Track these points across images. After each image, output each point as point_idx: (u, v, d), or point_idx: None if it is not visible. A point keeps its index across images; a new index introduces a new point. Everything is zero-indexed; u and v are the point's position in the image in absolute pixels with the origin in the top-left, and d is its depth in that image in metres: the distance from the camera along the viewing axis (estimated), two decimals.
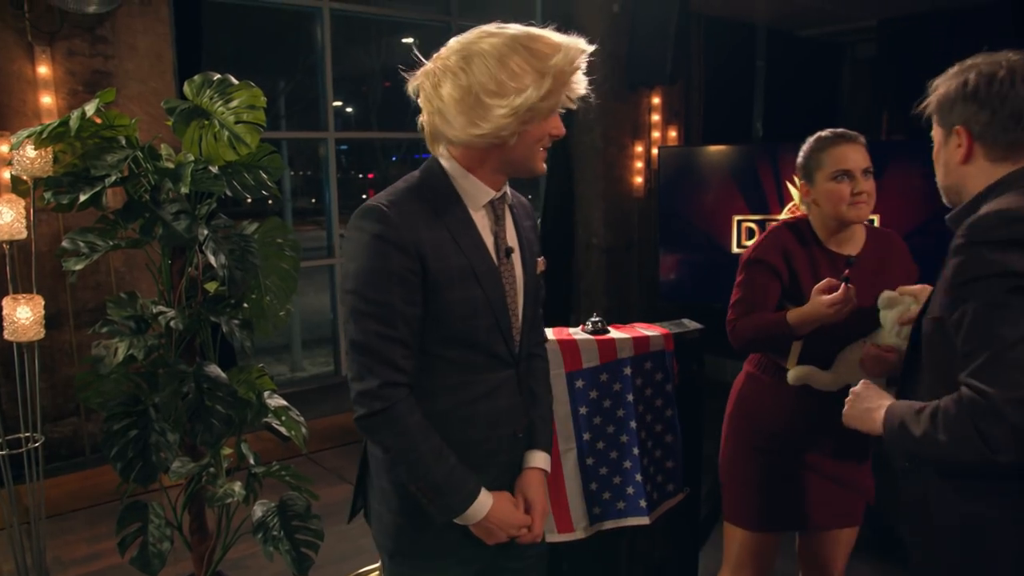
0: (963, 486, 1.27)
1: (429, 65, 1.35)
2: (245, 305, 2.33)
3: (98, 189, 2.04)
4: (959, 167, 1.34)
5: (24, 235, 2.36)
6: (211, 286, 2.29)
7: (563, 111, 1.37)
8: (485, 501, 1.38)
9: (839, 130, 1.90)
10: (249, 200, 2.33)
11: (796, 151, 1.97)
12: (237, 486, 2.22)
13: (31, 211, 2.32)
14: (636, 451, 2.29)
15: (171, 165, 2.18)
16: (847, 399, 1.48)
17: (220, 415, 2.14)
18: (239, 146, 2.10)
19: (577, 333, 2.31)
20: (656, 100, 5.74)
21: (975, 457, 1.16)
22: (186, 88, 2.15)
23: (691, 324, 2.41)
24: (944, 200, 1.43)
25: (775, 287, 1.90)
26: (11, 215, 2.31)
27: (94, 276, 3.71)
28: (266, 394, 2.36)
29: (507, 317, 1.39)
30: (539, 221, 5.61)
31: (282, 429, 2.35)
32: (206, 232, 2.15)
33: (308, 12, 4.79)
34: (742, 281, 1.94)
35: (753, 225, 4.31)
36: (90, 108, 2.04)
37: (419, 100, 1.37)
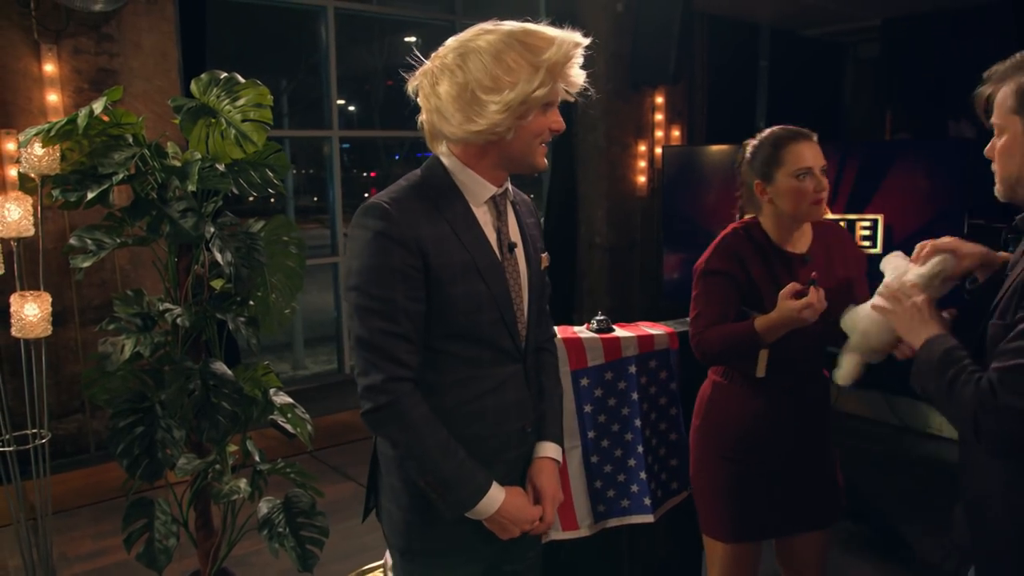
0: None
1: (428, 64, 1.37)
2: (251, 302, 2.34)
3: (105, 187, 2.05)
4: None
5: (31, 232, 2.37)
6: (217, 283, 2.30)
7: (563, 104, 1.38)
8: (496, 495, 1.38)
9: (793, 128, 1.85)
10: (251, 198, 2.34)
11: None
12: (243, 483, 2.22)
13: (38, 208, 2.33)
14: (641, 449, 2.30)
15: (178, 163, 2.19)
16: (892, 294, 1.46)
17: (226, 412, 2.15)
18: (246, 144, 2.11)
19: (582, 332, 2.32)
20: (659, 99, 5.75)
21: (963, 434, 1.23)
22: (193, 86, 2.16)
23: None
24: (1005, 193, 1.36)
25: (734, 296, 1.84)
26: (19, 212, 2.32)
27: (99, 274, 3.73)
28: (272, 391, 2.37)
29: (511, 311, 1.40)
30: (542, 220, 5.63)
31: (288, 426, 2.36)
32: (212, 230, 2.16)
33: (312, 11, 4.80)
34: (700, 294, 1.87)
35: None
36: (98, 106, 2.05)
37: (418, 99, 1.39)
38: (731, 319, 1.83)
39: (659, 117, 5.78)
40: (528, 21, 1.34)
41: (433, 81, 1.34)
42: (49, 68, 3.51)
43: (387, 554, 2.59)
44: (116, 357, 2.16)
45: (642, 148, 5.76)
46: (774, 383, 1.86)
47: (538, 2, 5.51)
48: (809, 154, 1.80)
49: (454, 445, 1.35)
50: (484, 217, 1.41)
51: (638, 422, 2.29)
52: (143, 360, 2.18)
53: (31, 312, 2.33)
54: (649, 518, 2.31)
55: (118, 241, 2.18)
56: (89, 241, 2.14)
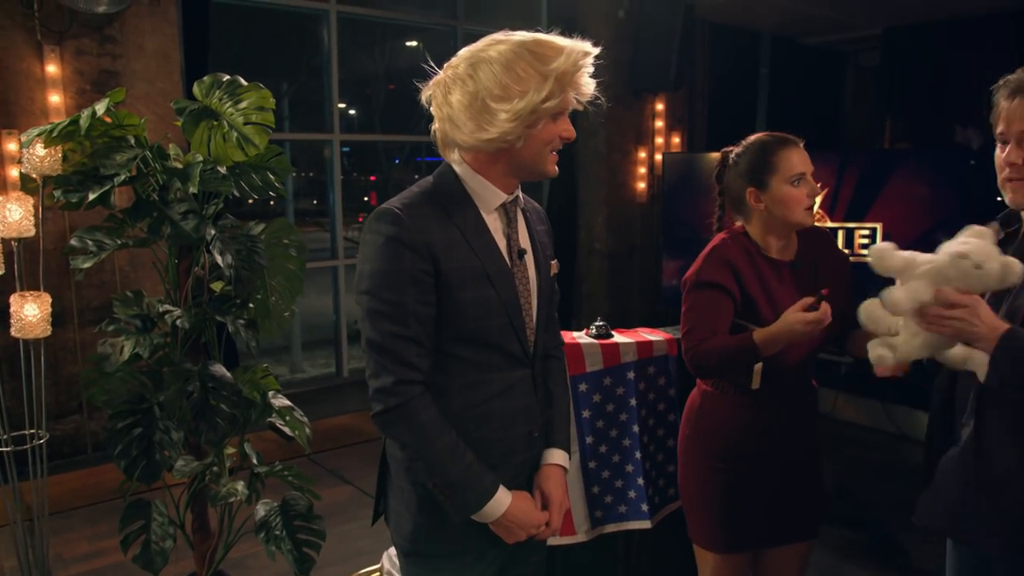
0: None
1: (440, 75, 1.39)
2: (251, 305, 2.34)
3: (107, 188, 2.06)
4: None
5: (32, 233, 2.37)
6: (217, 286, 2.30)
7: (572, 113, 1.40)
8: (503, 499, 1.39)
9: (779, 134, 1.84)
10: (252, 201, 2.35)
11: None
12: (240, 485, 2.22)
13: (39, 209, 2.33)
14: (638, 455, 2.30)
15: (179, 165, 2.20)
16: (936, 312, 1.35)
17: (224, 414, 2.15)
18: (248, 147, 2.12)
19: (581, 337, 2.33)
20: (660, 106, 5.76)
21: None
22: (196, 89, 2.17)
23: (680, 329, 2.42)
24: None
25: (728, 307, 1.80)
26: (20, 213, 2.33)
27: (99, 275, 3.73)
28: (270, 394, 2.37)
29: (520, 317, 1.42)
30: None
31: (286, 429, 2.36)
32: (213, 232, 2.16)
33: (315, 14, 4.81)
34: (692, 307, 1.82)
35: None
36: (100, 107, 2.06)
37: (431, 109, 1.41)
38: (725, 332, 1.79)
39: (659, 124, 5.79)
40: (538, 31, 1.36)
41: (445, 91, 1.37)
42: (51, 69, 3.52)
43: (384, 558, 2.59)
44: (115, 358, 2.16)
45: (642, 154, 5.77)
46: (765, 393, 1.84)
47: (540, 9, 5.52)
48: (801, 160, 1.80)
49: (462, 448, 1.37)
50: (494, 224, 1.43)
51: (636, 428, 2.29)
52: (142, 361, 2.19)
53: (31, 312, 2.33)
54: (647, 524, 2.31)
55: (119, 242, 2.19)
56: (90, 242, 2.14)
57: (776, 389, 1.85)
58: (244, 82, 2.19)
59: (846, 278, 1.91)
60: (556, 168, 1.42)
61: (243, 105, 2.14)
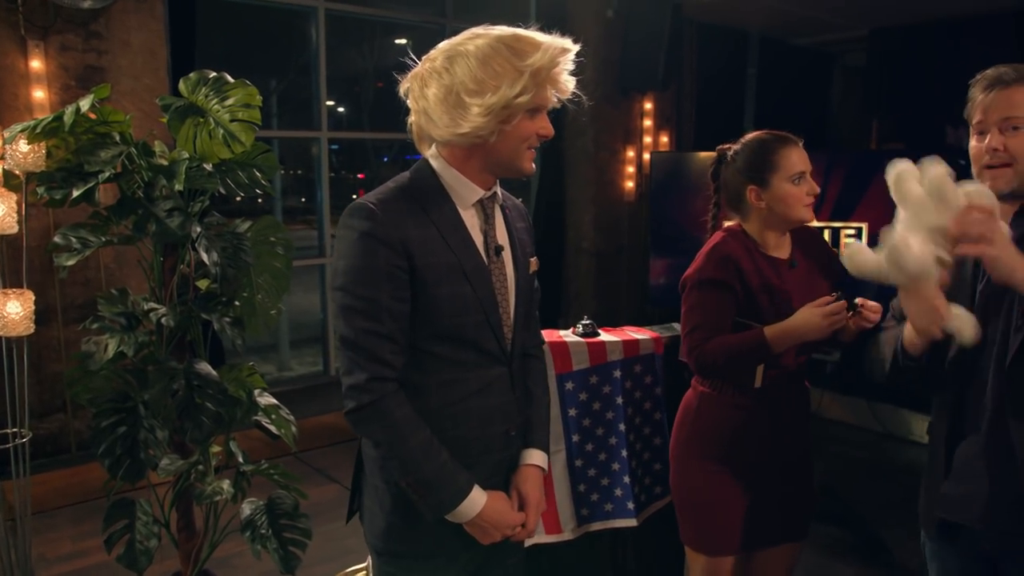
0: None
1: (418, 68, 1.38)
2: (237, 303, 2.33)
3: (91, 185, 2.04)
4: None
5: (15, 230, 2.35)
6: (203, 283, 2.29)
7: (552, 109, 1.39)
8: (478, 498, 1.38)
9: (778, 132, 1.85)
10: (239, 198, 2.34)
11: None
12: (225, 484, 2.21)
13: (23, 206, 2.31)
14: (624, 453, 2.31)
15: (165, 162, 2.18)
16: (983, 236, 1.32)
17: (210, 412, 2.14)
18: (234, 144, 2.10)
19: (567, 336, 2.33)
20: (648, 105, 5.77)
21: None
22: (182, 85, 2.15)
23: (680, 328, 2.44)
24: (1011, 185, 1.44)
25: (731, 306, 1.79)
26: (3, 209, 2.30)
27: (83, 272, 3.70)
28: (256, 392, 2.36)
29: (497, 314, 1.41)
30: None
31: (272, 427, 2.35)
32: (199, 229, 2.15)
33: (303, 11, 4.79)
34: (695, 305, 1.81)
35: None
36: (85, 103, 2.04)
37: (408, 102, 1.40)
38: (728, 330, 1.79)
39: (648, 123, 5.81)
40: (520, 26, 1.35)
41: (422, 84, 1.35)
42: (36, 64, 3.49)
43: (369, 557, 2.59)
44: (99, 356, 2.15)
45: (630, 153, 5.78)
46: (762, 395, 1.84)
47: (529, 7, 5.52)
48: (801, 159, 1.81)
49: (437, 446, 1.35)
50: (471, 220, 1.41)
51: (622, 426, 2.30)
52: (127, 360, 2.17)
53: (13, 310, 2.31)
54: (632, 522, 2.32)
55: (103, 240, 2.17)
56: (74, 239, 2.13)
57: (773, 391, 1.85)
58: (230, 79, 2.18)
59: (838, 275, 1.91)
60: (533, 165, 1.40)
61: (229, 102, 2.13)
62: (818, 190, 1.83)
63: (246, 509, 2.28)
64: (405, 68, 1.41)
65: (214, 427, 2.16)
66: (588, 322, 2.39)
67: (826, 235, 3.80)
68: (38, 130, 2.03)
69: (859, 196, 3.74)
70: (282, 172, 7.77)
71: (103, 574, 2.90)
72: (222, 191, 2.21)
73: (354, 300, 1.31)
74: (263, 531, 2.23)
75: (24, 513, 2.43)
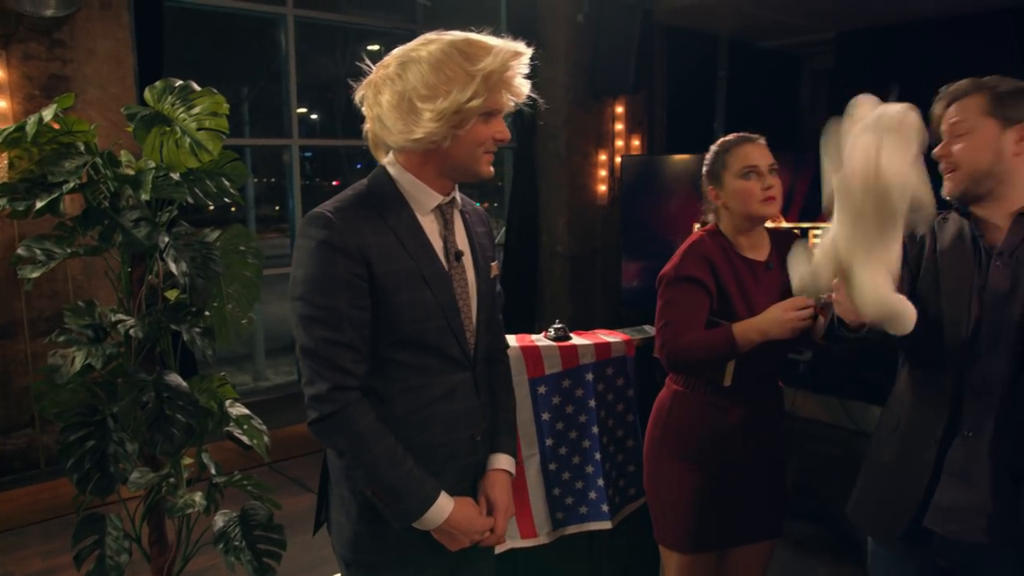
0: None
1: (372, 75, 1.38)
2: (207, 313, 2.31)
3: (55, 196, 2.01)
4: (1013, 157, 1.47)
5: None
6: (172, 294, 2.27)
7: (522, 114, 1.39)
8: (445, 505, 1.37)
9: (741, 133, 1.89)
10: (212, 207, 2.32)
11: None
12: (198, 496, 2.19)
13: None
14: (598, 456, 2.32)
15: (131, 172, 2.16)
16: None
17: (180, 424, 2.11)
18: (201, 153, 2.08)
19: (539, 340, 2.34)
20: (620, 109, 5.81)
21: None
22: (147, 94, 2.13)
23: (652, 330, 2.45)
24: (963, 188, 1.51)
25: (705, 303, 1.82)
26: None
27: (51, 284, 3.64)
28: (228, 403, 2.34)
29: (458, 319, 1.41)
30: (504, 229, 5.64)
31: (244, 438, 2.33)
32: (167, 239, 2.13)
33: (272, 18, 4.77)
34: (669, 301, 1.85)
35: None
36: (47, 113, 2.01)
37: (363, 109, 1.40)
38: (701, 327, 1.81)
39: (619, 127, 5.84)
40: (472, 31, 1.35)
41: (376, 91, 1.35)
42: None
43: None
44: (66, 369, 2.11)
45: (603, 157, 5.82)
46: (735, 393, 1.87)
47: (499, 12, 5.54)
48: (754, 153, 1.83)
49: (402, 454, 1.35)
50: (430, 226, 1.41)
51: (595, 429, 2.31)
52: (95, 372, 2.14)
53: None
54: (607, 524, 2.33)
55: (69, 251, 2.14)
56: (38, 251, 2.09)
57: (746, 390, 1.87)
58: (197, 87, 2.16)
59: None
60: (491, 169, 1.40)
61: (196, 110, 2.11)
62: (775, 184, 1.83)
63: (219, 521, 2.25)
64: (363, 75, 1.41)
65: (185, 439, 2.13)
66: (560, 326, 2.40)
67: None
68: (0, 140, 2.00)
69: None
70: (255, 180, 7.72)
71: None
72: (190, 200, 2.19)
73: (313, 309, 1.31)
74: (236, 543, 2.20)
75: None
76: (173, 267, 2.09)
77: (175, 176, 2.16)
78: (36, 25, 3.51)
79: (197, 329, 2.21)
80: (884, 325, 1.39)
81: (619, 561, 2.51)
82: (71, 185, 2.02)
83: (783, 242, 1.94)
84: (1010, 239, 1.48)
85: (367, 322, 1.34)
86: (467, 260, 1.45)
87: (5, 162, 2.11)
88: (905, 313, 1.37)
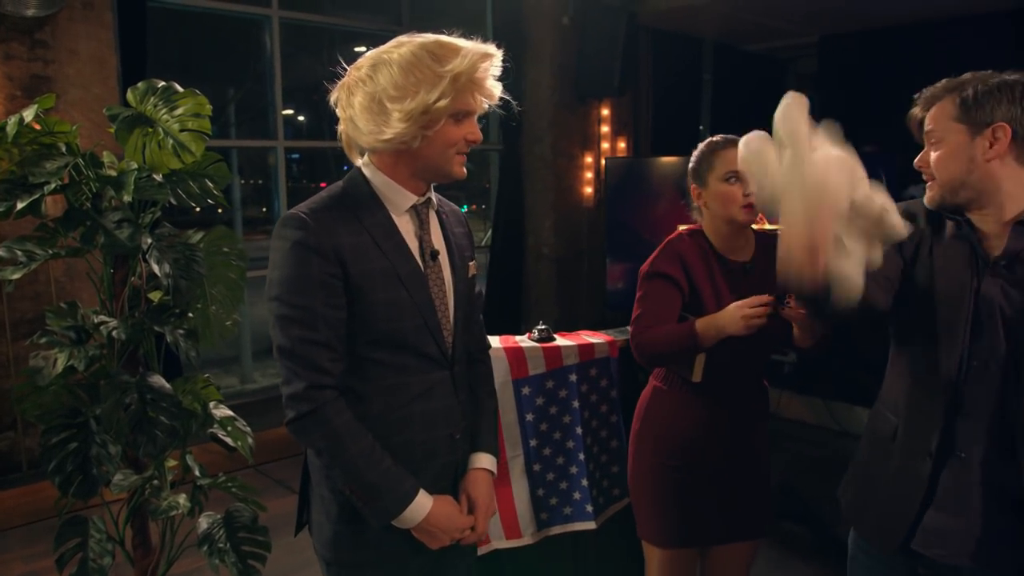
0: None
1: (346, 77, 1.39)
2: (190, 315, 2.30)
3: (36, 196, 2.00)
4: (986, 164, 1.38)
5: None
6: (155, 295, 2.26)
7: (509, 115, 1.41)
8: (423, 503, 1.38)
9: (730, 136, 1.88)
10: (198, 209, 2.31)
11: None
12: (182, 498, 2.18)
13: None
14: (582, 456, 2.33)
15: (113, 173, 2.15)
16: None
17: (164, 426, 2.10)
18: (184, 154, 2.08)
19: (523, 341, 2.35)
20: (605, 111, 5.83)
21: None
22: (129, 95, 2.13)
23: None
24: (942, 197, 1.44)
25: (676, 299, 1.86)
26: None
27: (32, 286, 3.61)
28: (212, 404, 2.33)
29: (435, 318, 1.42)
30: (490, 232, 5.64)
31: (228, 440, 2.32)
32: (150, 241, 2.12)
33: (257, 20, 4.75)
34: (643, 295, 1.89)
35: None
36: (28, 114, 2.00)
37: (337, 111, 1.42)
38: (672, 322, 1.84)
39: (605, 129, 5.86)
40: (444, 33, 1.37)
41: (349, 93, 1.37)
42: None
43: None
44: (48, 371, 2.10)
45: (588, 159, 5.84)
46: (714, 391, 1.88)
47: (484, 15, 5.55)
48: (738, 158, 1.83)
49: (379, 453, 1.36)
50: (406, 226, 1.43)
51: (579, 430, 2.32)
52: (77, 374, 2.13)
53: None
54: (591, 525, 2.34)
55: (50, 252, 2.13)
56: (19, 252, 2.08)
57: (725, 387, 1.89)
58: (180, 88, 2.15)
59: None
60: (463, 170, 1.42)
61: (179, 111, 2.11)
62: (754, 190, 1.81)
63: (203, 523, 2.25)
64: (340, 77, 1.42)
65: (168, 441, 2.12)
66: (543, 327, 2.41)
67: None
68: None
69: None
70: (241, 182, 7.69)
71: None
72: (173, 201, 2.19)
73: (289, 309, 1.32)
74: (221, 545, 2.20)
75: None
76: (156, 268, 2.09)
77: (158, 177, 2.15)
78: (17, 25, 3.49)
79: (180, 331, 2.20)
80: (837, 283, 1.31)
81: (603, 561, 2.52)
82: (52, 186, 2.01)
83: (770, 245, 1.94)
84: (1009, 249, 1.39)
85: (343, 321, 1.35)
86: (443, 259, 1.46)
87: None
88: (853, 278, 1.31)
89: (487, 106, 1.39)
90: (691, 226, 1.97)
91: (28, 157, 2.06)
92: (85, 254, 2.15)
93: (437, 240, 1.47)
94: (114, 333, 2.11)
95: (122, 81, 3.80)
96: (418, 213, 1.44)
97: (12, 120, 1.99)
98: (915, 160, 1.49)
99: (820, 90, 6.19)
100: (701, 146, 1.93)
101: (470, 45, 1.34)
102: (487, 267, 5.46)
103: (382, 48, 1.37)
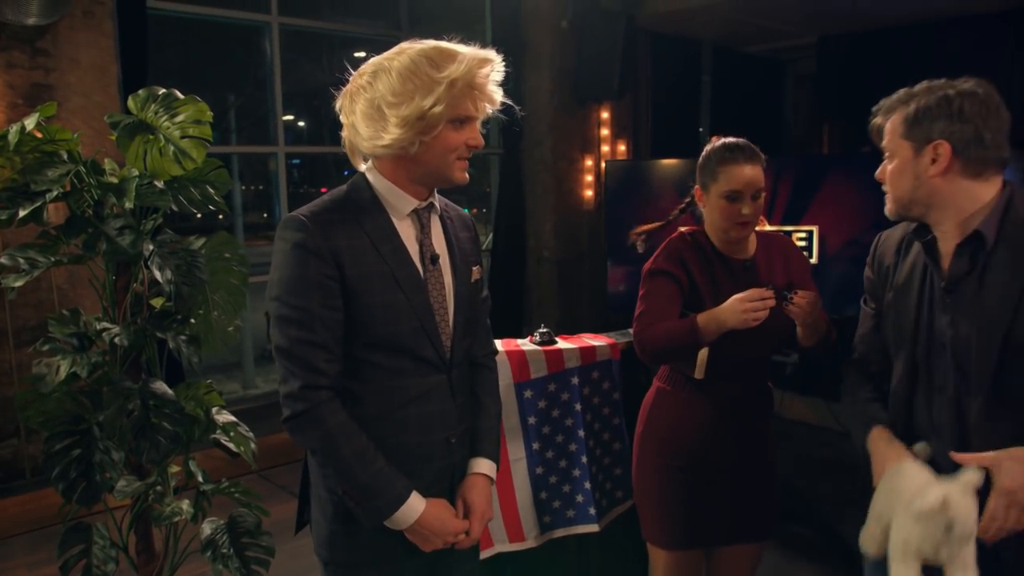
0: None
1: (349, 84, 1.41)
2: (192, 321, 2.31)
3: (39, 204, 2.01)
4: (931, 180, 1.37)
5: None
6: (157, 302, 2.27)
7: (509, 120, 1.42)
8: (416, 505, 1.39)
9: (743, 144, 1.87)
10: (199, 215, 2.32)
11: None
12: (185, 504, 2.18)
13: None
14: (585, 459, 2.33)
15: (115, 180, 2.16)
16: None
17: (167, 432, 2.11)
18: (185, 161, 2.09)
19: (525, 344, 2.35)
20: (605, 114, 5.84)
21: None
22: (130, 102, 2.14)
23: None
24: (896, 211, 1.45)
25: (677, 296, 1.87)
26: None
27: (35, 293, 3.62)
28: (214, 410, 2.33)
29: (433, 322, 1.43)
30: (491, 235, 5.65)
31: (231, 445, 2.33)
32: (151, 247, 2.13)
33: (257, 26, 4.77)
34: (645, 293, 1.90)
35: None
36: (30, 122, 2.01)
37: (340, 117, 1.43)
38: (673, 318, 1.84)
39: (605, 132, 5.87)
40: (444, 39, 1.38)
41: (351, 99, 1.39)
42: None
43: None
44: (51, 378, 2.11)
45: (588, 162, 5.84)
46: (718, 391, 1.88)
47: (484, 19, 5.56)
48: (743, 177, 1.81)
49: (372, 453, 1.37)
50: (407, 230, 1.44)
51: (581, 432, 2.32)
52: (80, 381, 2.13)
53: None
54: (594, 527, 2.34)
55: (52, 260, 2.13)
56: (22, 260, 2.09)
57: (729, 389, 1.89)
58: (180, 95, 2.16)
59: (805, 280, 1.95)
60: (465, 175, 1.42)
61: (180, 118, 2.12)
62: (753, 211, 1.82)
63: (207, 529, 2.25)
64: (345, 84, 1.44)
65: (171, 447, 2.13)
66: (545, 330, 2.41)
67: None
68: None
69: (809, 200, 3.83)
70: (242, 188, 7.70)
71: None
72: (174, 208, 2.20)
73: (287, 310, 1.34)
74: (224, 550, 2.20)
75: None
76: (158, 275, 2.09)
77: (159, 184, 2.16)
78: (18, 34, 3.50)
79: (183, 337, 2.21)
80: None
81: (606, 564, 2.52)
82: (54, 194, 2.02)
83: (771, 243, 1.97)
84: (952, 273, 1.40)
85: (340, 322, 1.36)
86: (444, 263, 1.47)
87: None
88: None
89: (489, 111, 1.40)
90: (692, 227, 1.98)
91: (30, 165, 2.07)
92: (87, 261, 2.16)
93: (439, 244, 1.48)
94: (116, 340, 2.12)
95: (123, 89, 3.81)
96: (419, 217, 1.45)
97: (14, 128, 2.00)
98: (876, 172, 1.49)
99: (819, 91, 6.20)
100: (712, 148, 1.90)
101: (468, 51, 1.35)
102: (488, 271, 5.47)
103: (384, 55, 1.38)
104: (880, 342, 1.58)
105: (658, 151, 5.98)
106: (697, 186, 1.92)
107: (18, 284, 2.06)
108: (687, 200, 2.03)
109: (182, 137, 2.10)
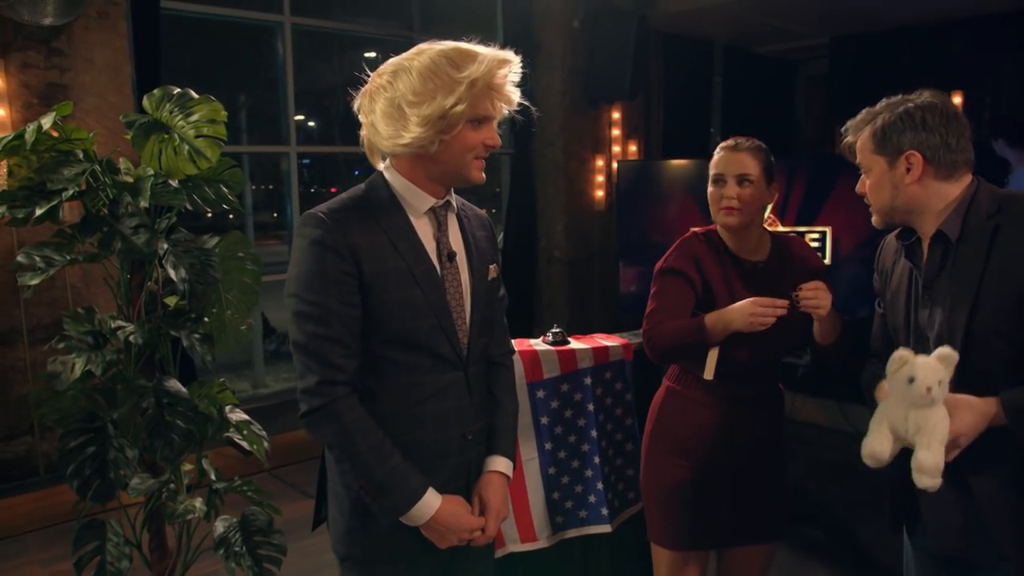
0: None
1: (368, 84, 1.42)
2: (206, 319, 2.32)
3: (55, 203, 2.02)
4: (908, 188, 1.47)
5: None
6: (171, 300, 2.28)
7: (522, 120, 1.43)
8: (432, 501, 1.40)
9: (740, 138, 1.90)
10: (210, 214, 2.33)
11: None
12: (198, 502, 2.19)
13: None
14: (597, 460, 2.33)
15: (130, 179, 2.17)
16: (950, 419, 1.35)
17: (180, 430, 2.12)
18: (199, 160, 2.10)
19: (538, 344, 2.35)
20: (616, 115, 5.83)
21: None
22: (145, 102, 2.15)
23: None
24: (882, 221, 1.55)
25: (689, 296, 1.87)
26: None
27: (50, 292, 3.65)
28: (227, 408, 2.34)
29: (450, 319, 1.43)
30: (502, 235, 5.65)
31: (244, 443, 2.33)
32: (166, 246, 2.14)
33: (270, 26, 4.79)
34: (657, 291, 1.91)
35: None
36: (46, 121, 2.03)
37: (359, 117, 1.44)
38: (685, 318, 1.84)
39: (616, 132, 5.87)
40: (463, 40, 1.39)
41: (371, 99, 1.40)
42: None
43: None
44: (66, 376, 2.12)
45: (599, 163, 5.84)
46: (727, 392, 1.87)
47: (495, 19, 5.57)
48: (724, 162, 1.86)
49: (389, 449, 1.37)
50: (424, 228, 1.45)
51: (594, 433, 2.32)
52: (95, 379, 2.14)
53: None
54: (607, 528, 2.33)
55: (68, 258, 2.15)
56: (38, 258, 2.10)
57: (739, 390, 1.88)
58: (195, 95, 2.17)
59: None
60: (482, 175, 1.44)
61: (194, 118, 2.12)
62: (736, 196, 1.84)
63: (219, 527, 2.26)
64: (362, 84, 1.45)
65: (185, 445, 2.14)
66: (558, 330, 2.41)
67: None
68: None
69: (822, 201, 3.81)
70: (253, 188, 7.73)
71: None
72: (188, 207, 2.20)
73: (305, 305, 1.35)
74: (237, 548, 2.21)
75: None
76: (172, 273, 2.10)
77: (174, 183, 2.17)
78: (34, 34, 3.53)
79: (196, 335, 2.22)
80: None
81: (618, 565, 2.52)
82: (70, 192, 2.03)
83: (785, 245, 1.96)
84: (928, 271, 1.48)
85: (358, 319, 1.37)
86: (461, 261, 1.48)
87: (4, 170, 2.12)
88: None
89: (506, 111, 1.41)
90: (706, 227, 1.98)
91: (46, 164, 2.09)
92: (102, 260, 2.17)
93: (455, 242, 1.48)
94: (131, 338, 2.13)
95: (137, 88, 3.84)
96: (436, 216, 1.46)
97: (31, 127, 2.01)
98: (856, 187, 1.58)
99: (830, 92, 6.18)
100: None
101: (488, 51, 1.36)
102: (499, 270, 5.47)
103: (404, 55, 1.39)
104: (889, 340, 1.63)
105: (669, 151, 5.97)
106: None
107: (34, 282, 2.07)
108: None
109: (197, 136, 2.11)
